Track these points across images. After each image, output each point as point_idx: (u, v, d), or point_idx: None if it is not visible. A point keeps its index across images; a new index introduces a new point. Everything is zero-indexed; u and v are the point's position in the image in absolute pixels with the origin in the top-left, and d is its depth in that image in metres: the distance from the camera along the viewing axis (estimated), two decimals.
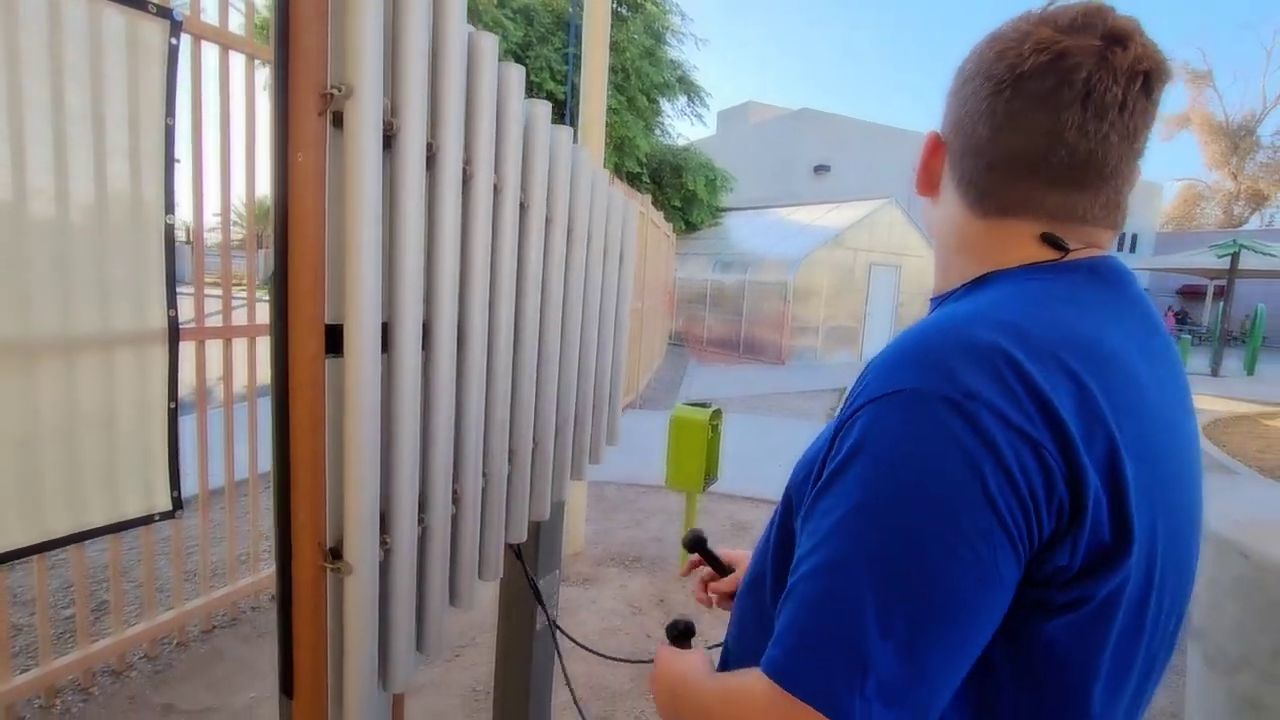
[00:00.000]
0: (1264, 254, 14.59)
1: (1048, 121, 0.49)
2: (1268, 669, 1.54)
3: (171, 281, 2.10)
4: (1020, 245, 0.53)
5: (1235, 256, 14.13)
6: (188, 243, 2.29)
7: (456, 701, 2.16)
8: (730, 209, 15.68)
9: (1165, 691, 2.44)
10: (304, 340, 0.65)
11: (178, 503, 2.17)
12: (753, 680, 0.45)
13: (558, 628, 1.15)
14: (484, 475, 0.86)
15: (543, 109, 0.87)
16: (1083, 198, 0.51)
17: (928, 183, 0.61)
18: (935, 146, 0.59)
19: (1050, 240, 0.52)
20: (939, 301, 0.58)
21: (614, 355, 1.14)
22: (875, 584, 0.41)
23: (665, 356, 11.28)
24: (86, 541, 2.00)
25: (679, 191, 14.25)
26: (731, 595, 0.79)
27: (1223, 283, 15.00)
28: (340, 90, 0.62)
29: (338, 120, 0.63)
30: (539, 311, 0.92)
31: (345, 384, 0.66)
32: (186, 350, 2.17)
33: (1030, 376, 0.42)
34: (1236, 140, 36.54)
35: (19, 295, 1.75)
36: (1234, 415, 9.15)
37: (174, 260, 2.12)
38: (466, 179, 0.76)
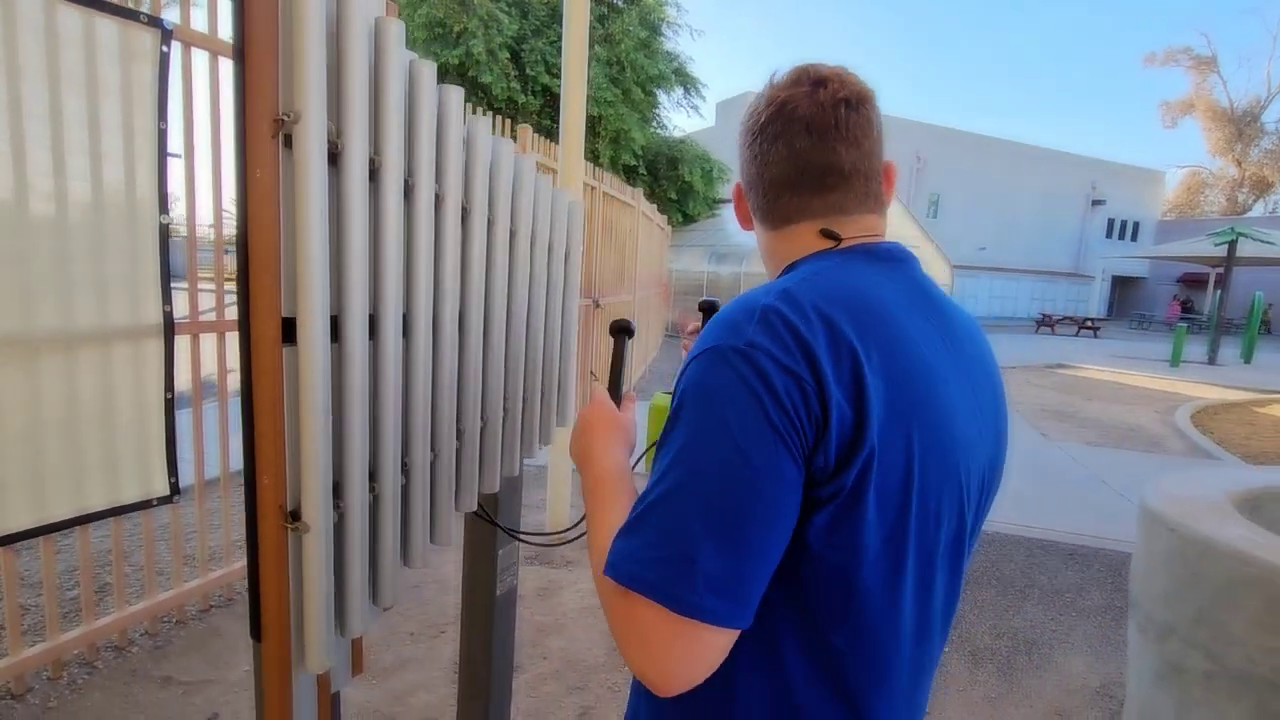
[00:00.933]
0: (1262, 241, 14.59)
1: (787, 150, 0.67)
2: (1189, 635, 1.64)
3: (166, 278, 2.21)
4: (806, 242, 0.69)
5: (1232, 244, 14.13)
6: (185, 237, 2.40)
7: (440, 674, 2.28)
8: (727, 200, 15.72)
9: (1115, 662, 2.56)
10: (264, 331, 0.75)
11: (175, 488, 2.29)
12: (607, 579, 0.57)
13: (514, 533, 1.26)
14: (433, 450, 0.97)
15: (483, 124, 0.98)
16: (836, 196, 0.67)
17: (744, 218, 0.78)
18: (739, 191, 0.77)
19: (826, 233, 0.67)
20: None
21: (562, 344, 1.24)
22: (699, 501, 0.54)
23: (661, 348, 11.38)
24: (90, 527, 2.12)
25: (675, 184, 14.31)
26: None
27: (1223, 270, 14.99)
28: (289, 117, 0.72)
29: (289, 141, 0.74)
30: (483, 305, 1.02)
31: (299, 369, 0.76)
32: (182, 344, 2.28)
33: (794, 325, 0.56)
34: (1241, 127, 36.34)
35: (22, 292, 1.86)
36: (1225, 403, 9.23)
37: (168, 258, 2.22)
38: (409, 189, 0.86)
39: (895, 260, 0.67)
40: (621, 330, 1.04)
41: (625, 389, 1.00)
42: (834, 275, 0.62)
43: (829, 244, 0.67)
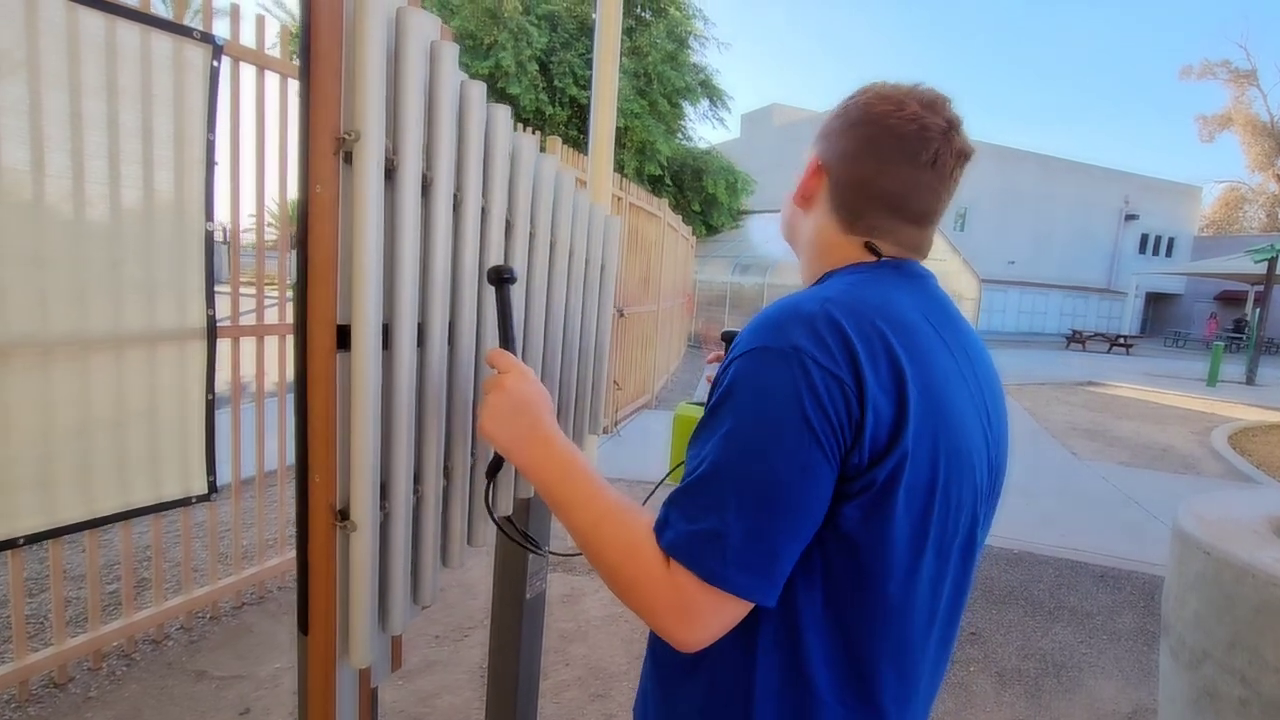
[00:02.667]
0: None
1: (909, 173, 0.68)
2: (1224, 660, 1.61)
3: (210, 282, 2.29)
4: (853, 250, 0.72)
5: (1273, 261, 13.76)
6: (225, 242, 2.48)
7: (464, 677, 2.31)
8: (751, 211, 15.74)
9: (1147, 688, 2.50)
10: (320, 337, 0.79)
11: (213, 486, 2.36)
12: (646, 538, 0.61)
13: (543, 547, 1.28)
14: (472, 455, 1.00)
15: (528, 141, 1.01)
16: (914, 231, 0.71)
17: (805, 198, 0.76)
18: (816, 168, 0.74)
19: (870, 247, 0.71)
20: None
21: (595, 354, 1.27)
22: (736, 486, 0.58)
23: (684, 358, 11.38)
24: (130, 523, 2.19)
25: (699, 195, 14.35)
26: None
27: (1263, 288, 14.61)
28: (350, 135, 0.76)
29: (349, 159, 0.78)
30: (523, 315, 1.06)
31: (351, 374, 0.80)
32: (223, 346, 2.36)
33: (839, 332, 0.59)
34: None
35: (76, 295, 1.94)
36: (1265, 424, 8.99)
37: (213, 263, 2.30)
38: (457, 204, 0.90)
39: (919, 277, 0.71)
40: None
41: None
42: (871, 287, 0.66)
43: (869, 257, 0.71)
